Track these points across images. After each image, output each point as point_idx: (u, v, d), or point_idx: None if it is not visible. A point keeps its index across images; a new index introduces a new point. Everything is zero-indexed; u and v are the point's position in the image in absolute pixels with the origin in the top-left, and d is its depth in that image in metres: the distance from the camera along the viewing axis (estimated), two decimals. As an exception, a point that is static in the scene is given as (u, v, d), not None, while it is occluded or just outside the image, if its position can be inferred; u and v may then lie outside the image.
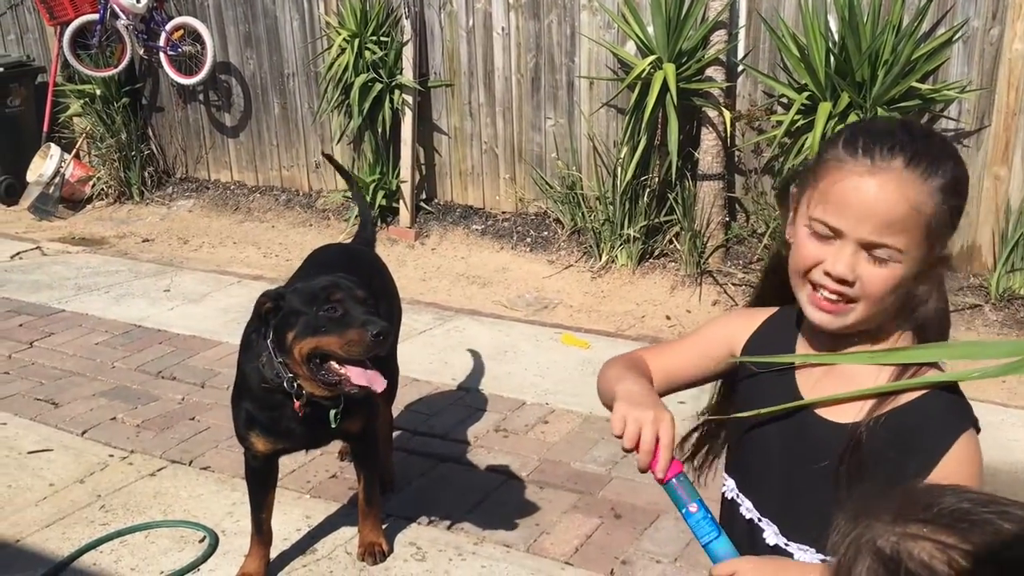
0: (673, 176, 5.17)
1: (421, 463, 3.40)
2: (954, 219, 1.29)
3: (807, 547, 1.37)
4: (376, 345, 2.35)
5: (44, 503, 3.16)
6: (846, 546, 0.85)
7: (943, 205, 1.25)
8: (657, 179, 5.32)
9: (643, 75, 5.05)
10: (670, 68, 4.94)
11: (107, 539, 2.92)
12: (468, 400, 3.92)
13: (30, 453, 3.50)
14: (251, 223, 6.72)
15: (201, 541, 2.92)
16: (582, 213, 5.59)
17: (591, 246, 5.55)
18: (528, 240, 5.88)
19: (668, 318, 4.90)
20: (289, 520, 3.02)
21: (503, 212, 6.13)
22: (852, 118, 4.55)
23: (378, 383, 2.40)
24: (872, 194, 1.25)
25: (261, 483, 2.71)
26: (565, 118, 5.71)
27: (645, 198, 5.31)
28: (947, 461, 1.25)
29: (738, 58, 5.13)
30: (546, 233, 5.89)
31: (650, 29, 5.14)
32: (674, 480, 1.34)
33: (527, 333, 4.67)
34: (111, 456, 3.49)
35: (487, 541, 2.91)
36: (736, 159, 5.27)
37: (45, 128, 7.31)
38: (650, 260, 5.43)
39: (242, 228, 6.66)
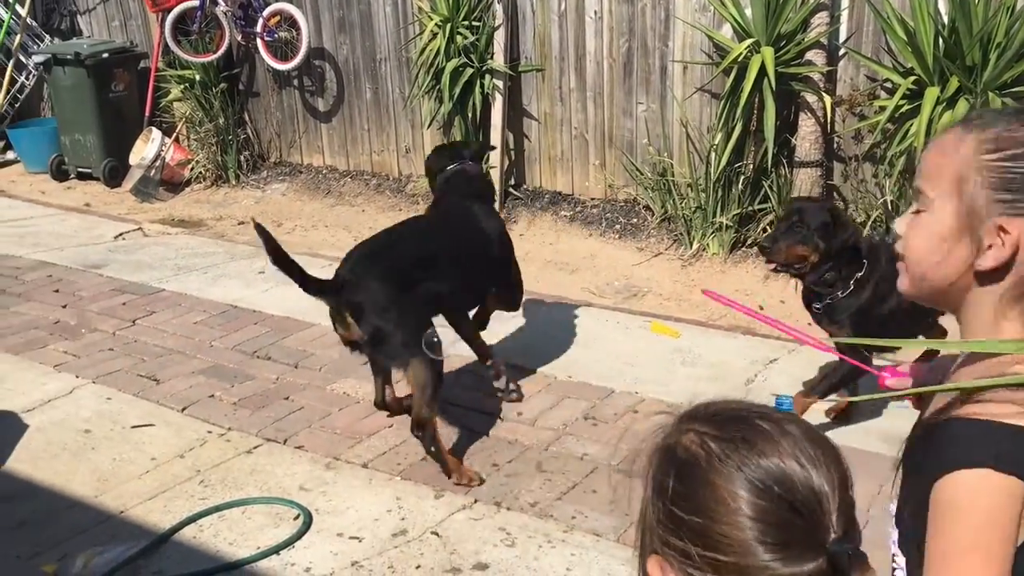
0: (769, 163, 5.04)
1: (509, 449, 3.40)
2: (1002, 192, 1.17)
3: None
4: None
5: (147, 476, 3.26)
6: (648, 445, 1.05)
7: (989, 174, 1.17)
8: (752, 166, 5.20)
9: (740, 59, 4.93)
10: (768, 52, 4.81)
11: (206, 513, 3.00)
12: (556, 387, 3.90)
13: (133, 427, 3.62)
14: (342, 207, 6.81)
15: (296, 519, 2.98)
16: (673, 200, 5.50)
17: (681, 234, 5.46)
18: (617, 227, 5.83)
19: (761, 308, 4.78)
20: (380, 501, 3.05)
21: (592, 198, 6.08)
22: (961, 104, 4.37)
23: None
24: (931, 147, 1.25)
25: None
26: (657, 103, 5.63)
27: (739, 185, 5.20)
28: (934, 496, 1.11)
29: (840, 41, 4.96)
30: (635, 220, 5.82)
31: (748, 12, 5.01)
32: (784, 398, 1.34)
33: (616, 320, 4.63)
34: (209, 432, 3.58)
35: (576, 529, 2.90)
36: (835, 146, 5.11)
37: (147, 112, 7.53)
38: (742, 249, 5.31)
39: (333, 212, 6.76)
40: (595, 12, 5.68)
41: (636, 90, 5.69)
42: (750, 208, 5.26)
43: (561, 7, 5.80)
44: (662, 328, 4.49)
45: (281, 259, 3.00)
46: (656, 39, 5.52)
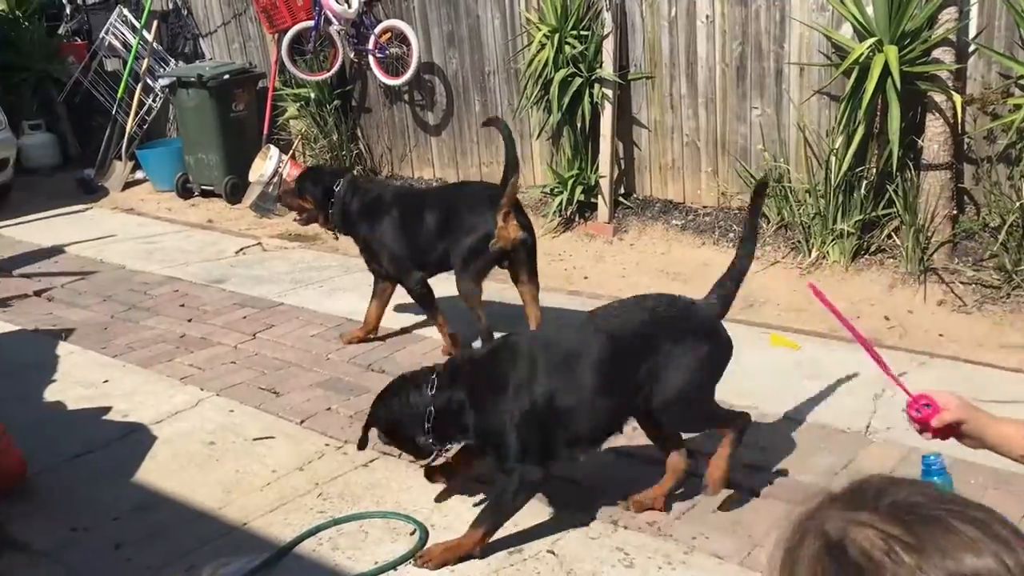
0: (893, 167, 4.83)
1: (628, 465, 3.33)
2: None
3: None
4: None
5: (267, 489, 3.33)
6: (793, 529, 0.87)
7: None
8: (875, 170, 5.00)
9: (861, 59, 4.74)
10: (892, 51, 4.61)
11: (325, 527, 3.04)
12: (672, 401, 3.81)
13: (255, 440, 3.70)
14: (453, 219, 6.85)
15: (412, 534, 2.98)
16: (790, 207, 5.33)
17: (799, 241, 5.29)
18: (731, 235, 5.68)
19: (887, 319, 4.59)
20: (496, 518, 3.02)
21: (704, 206, 5.95)
22: (1107, 99, 4.08)
23: None
24: None
25: None
26: (772, 107, 5.47)
27: (861, 190, 5.00)
28: None
29: (970, 37, 4.72)
30: (750, 228, 5.65)
31: (869, 10, 4.82)
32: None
33: (733, 332, 4.45)
34: (327, 445, 3.63)
35: (697, 551, 2.81)
36: (966, 147, 4.85)
37: (265, 131, 7.77)
38: (865, 256, 5.10)
39: (444, 224, 6.81)
40: (707, 16, 5.57)
41: (750, 94, 5.54)
42: (873, 214, 5.05)
43: (671, 12, 5.70)
44: (781, 340, 4.34)
45: None
46: (771, 41, 5.37)
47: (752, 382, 3.91)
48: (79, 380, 4.36)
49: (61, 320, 5.23)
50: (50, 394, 4.24)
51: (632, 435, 3.52)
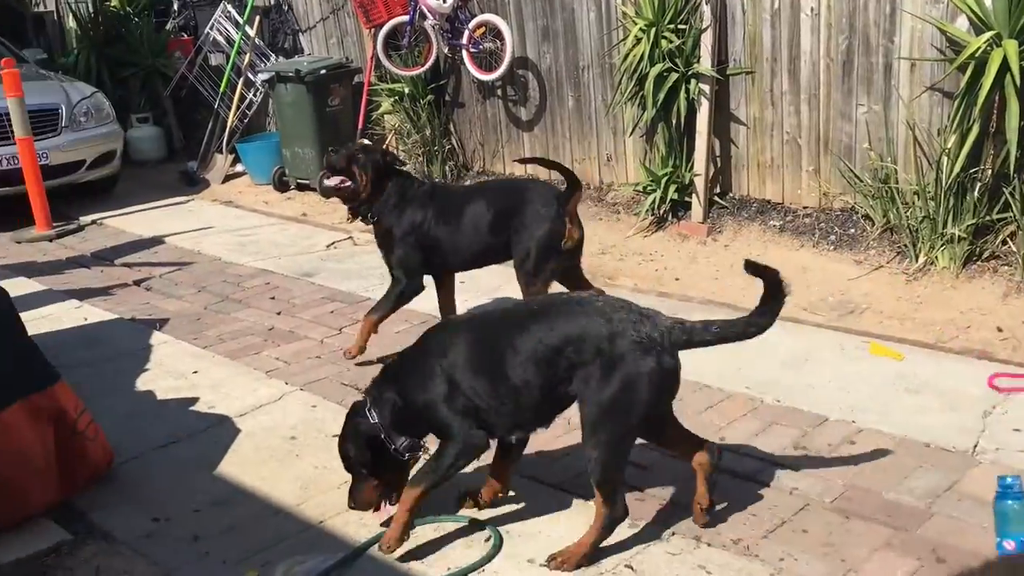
0: (1011, 168, 4.54)
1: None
2: None
3: None
4: None
5: (344, 487, 3.29)
6: None
7: None
8: (990, 171, 4.70)
9: (977, 54, 4.46)
10: (1011, 45, 4.33)
11: (400, 529, 2.99)
12: (763, 411, 3.65)
13: (335, 436, 3.68)
14: (543, 216, 6.77)
15: (487, 540, 2.91)
16: (896, 209, 5.06)
17: (906, 246, 5.02)
18: (832, 238, 5.44)
19: (1000, 330, 4.30)
20: (573, 527, 2.93)
21: (804, 207, 5.71)
22: None
23: None
24: None
25: None
26: (880, 104, 5.20)
27: (975, 193, 4.71)
28: None
29: (1099, 29, 4.39)
30: (852, 231, 5.41)
31: (987, 2, 4.53)
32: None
33: (830, 340, 4.29)
34: (406, 445, 3.59)
35: (785, 573, 2.65)
36: (1092, 148, 4.52)
37: (360, 125, 7.84)
38: (977, 263, 4.81)
39: (534, 221, 6.73)
40: (811, 9, 5.33)
41: (856, 91, 5.29)
42: (988, 218, 4.75)
43: (775, 5, 5.49)
44: (883, 350, 4.11)
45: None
46: (880, 35, 5.10)
47: (849, 394, 3.72)
48: (170, 370, 4.44)
49: (157, 310, 5.36)
50: (142, 383, 4.32)
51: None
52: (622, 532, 2.89)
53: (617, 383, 2.61)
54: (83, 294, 5.73)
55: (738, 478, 3.18)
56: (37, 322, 5.06)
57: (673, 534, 2.86)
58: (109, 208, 8.08)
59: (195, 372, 4.40)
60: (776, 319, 2.74)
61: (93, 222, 7.73)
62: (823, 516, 2.91)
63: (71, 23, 10.88)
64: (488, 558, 2.81)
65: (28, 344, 3.23)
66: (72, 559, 2.97)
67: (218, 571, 2.88)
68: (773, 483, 3.13)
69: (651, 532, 2.89)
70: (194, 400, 4.08)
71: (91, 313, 5.36)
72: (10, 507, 3.04)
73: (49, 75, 8.68)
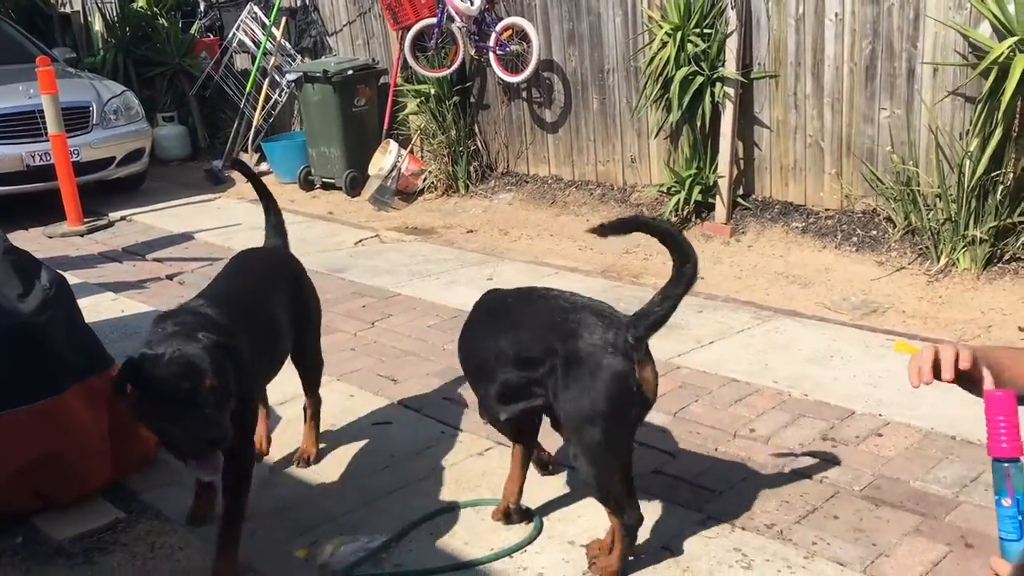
0: (1033, 171, 4.62)
1: (742, 468, 3.29)
2: None
3: None
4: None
5: (387, 471, 3.41)
6: None
7: None
8: (1012, 175, 4.79)
9: (1000, 59, 4.55)
10: (1035, 50, 4.41)
11: (442, 511, 3.10)
12: (791, 405, 3.74)
13: (374, 424, 3.80)
14: (566, 216, 6.89)
15: (527, 523, 3.01)
16: (918, 211, 5.15)
17: (927, 247, 5.11)
18: (854, 239, 5.53)
19: (1021, 329, 4.39)
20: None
21: (826, 209, 5.81)
22: None
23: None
24: None
25: None
26: (902, 108, 5.29)
27: (996, 195, 4.79)
28: None
29: (1122, 36, 4.48)
30: (874, 232, 5.50)
31: (1011, 7, 4.62)
32: (1008, 464, 1.26)
33: (855, 338, 4.38)
34: (443, 433, 3.70)
35: (818, 556, 2.75)
36: (1113, 152, 4.61)
37: (385, 126, 7.96)
38: (999, 265, 4.90)
39: (558, 221, 6.84)
40: (836, 14, 5.43)
41: (879, 95, 5.38)
42: (1009, 220, 4.83)
43: (799, 10, 5.58)
44: (908, 348, 4.16)
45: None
46: (903, 40, 5.20)
47: (875, 388, 3.81)
48: (209, 360, 4.55)
49: (191, 303, 5.47)
50: (182, 372, 4.43)
51: (739, 441, 3.48)
52: (660, 515, 2.99)
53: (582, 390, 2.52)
54: (118, 287, 5.86)
55: (769, 468, 3.27)
56: (76, 313, 5.18)
57: (708, 518, 2.96)
58: (137, 205, 8.22)
59: (234, 362, 4.50)
60: (696, 257, 2.52)
61: (122, 218, 7.87)
62: (853, 503, 3.01)
63: (97, 24, 11.05)
64: (530, 539, 2.91)
65: (85, 328, 3.35)
66: (127, 535, 3.08)
67: (267, 549, 2.99)
68: (803, 472, 3.22)
69: (688, 516, 2.98)
70: (235, 389, 4.18)
71: (127, 305, 5.49)
72: (68, 485, 3.15)
73: (80, 74, 8.84)
